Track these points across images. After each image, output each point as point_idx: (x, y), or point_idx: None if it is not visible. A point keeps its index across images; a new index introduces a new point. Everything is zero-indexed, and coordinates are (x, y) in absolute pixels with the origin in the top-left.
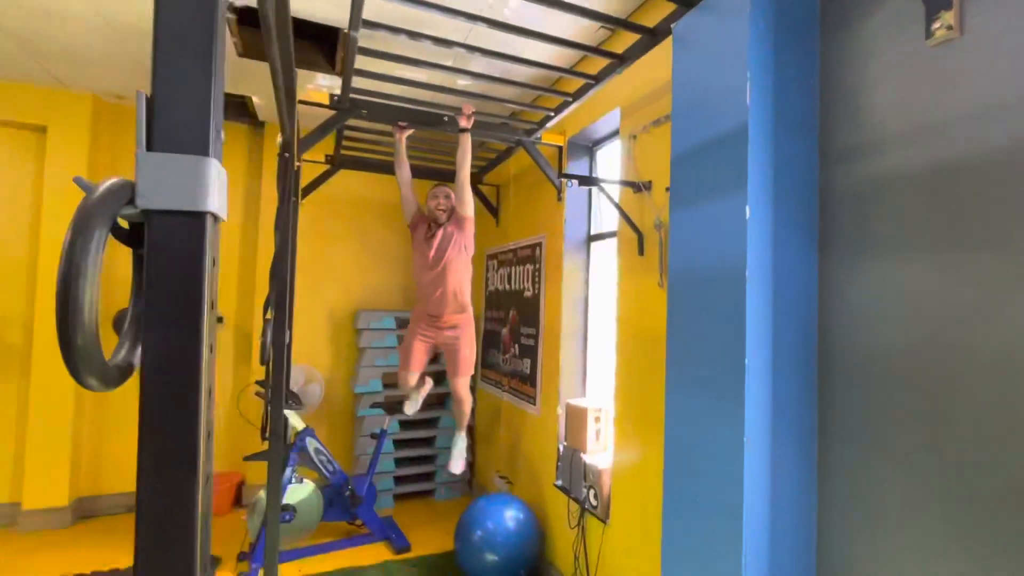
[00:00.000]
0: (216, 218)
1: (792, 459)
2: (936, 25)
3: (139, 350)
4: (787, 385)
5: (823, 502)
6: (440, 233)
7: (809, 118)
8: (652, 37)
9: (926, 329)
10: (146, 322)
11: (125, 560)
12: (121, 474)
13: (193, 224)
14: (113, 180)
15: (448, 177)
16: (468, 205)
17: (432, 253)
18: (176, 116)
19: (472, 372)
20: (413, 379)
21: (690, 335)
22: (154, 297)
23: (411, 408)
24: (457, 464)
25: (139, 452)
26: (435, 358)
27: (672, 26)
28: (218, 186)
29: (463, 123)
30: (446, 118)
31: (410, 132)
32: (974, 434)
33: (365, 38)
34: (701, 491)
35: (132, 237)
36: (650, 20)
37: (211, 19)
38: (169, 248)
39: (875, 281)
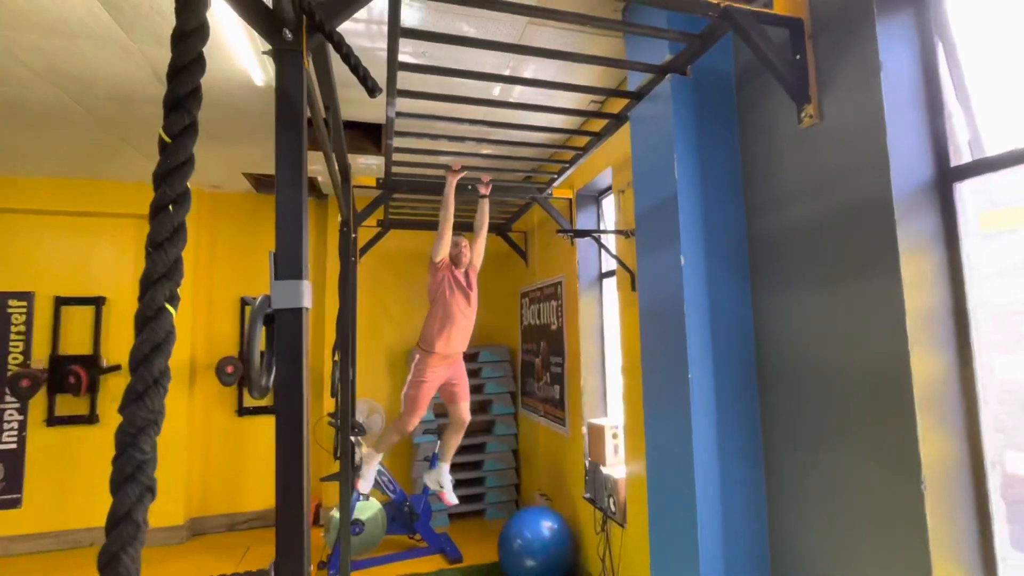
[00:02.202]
0: (307, 309)
1: (739, 458)
2: (803, 113)
3: (272, 377)
4: (730, 396)
5: (770, 492)
6: (469, 275)
7: (734, 180)
8: (617, 121)
9: (819, 346)
10: (276, 361)
11: (230, 570)
12: (223, 498)
13: (296, 313)
14: (262, 296)
15: (465, 227)
16: (481, 259)
17: (471, 292)
18: (286, 263)
19: None
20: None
21: (655, 358)
22: (279, 349)
23: (366, 486)
24: (452, 495)
25: (276, 430)
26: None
27: (628, 113)
28: (307, 293)
29: (482, 190)
30: (470, 187)
31: (462, 175)
32: (863, 430)
33: (402, 124)
34: (666, 486)
35: (269, 321)
36: (617, 107)
37: (300, 211)
38: (285, 325)
39: (785, 310)
